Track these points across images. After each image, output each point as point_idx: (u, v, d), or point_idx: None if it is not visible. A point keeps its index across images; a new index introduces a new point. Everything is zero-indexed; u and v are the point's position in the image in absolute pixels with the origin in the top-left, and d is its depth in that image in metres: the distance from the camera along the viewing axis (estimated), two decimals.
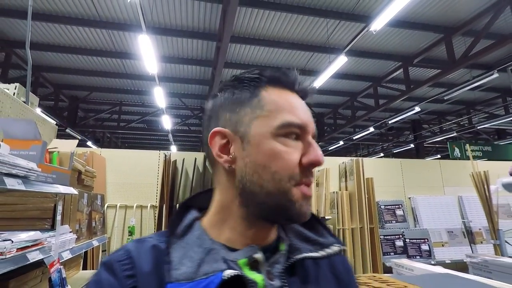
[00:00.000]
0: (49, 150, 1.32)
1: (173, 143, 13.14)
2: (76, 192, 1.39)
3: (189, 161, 3.70)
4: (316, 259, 0.52)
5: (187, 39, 6.25)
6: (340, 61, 5.62)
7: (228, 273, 0.43)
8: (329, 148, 13.58)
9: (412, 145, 11.96)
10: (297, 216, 0.49)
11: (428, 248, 4.09)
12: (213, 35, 6.09)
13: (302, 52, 6.85)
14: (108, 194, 3.47)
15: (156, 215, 3.49)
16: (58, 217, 1.36)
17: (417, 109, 7.97)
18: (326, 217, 3.80)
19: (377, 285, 1.60)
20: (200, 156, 3.74)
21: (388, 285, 1.59)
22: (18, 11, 5.31)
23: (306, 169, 0.49)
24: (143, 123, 11.22)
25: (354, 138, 11.36)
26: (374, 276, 1.80)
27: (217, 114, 0.54)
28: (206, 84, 8.27)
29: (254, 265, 0.49)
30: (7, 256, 0.97)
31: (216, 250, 0.48)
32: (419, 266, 2.28)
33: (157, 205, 3.52)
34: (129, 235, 3.36)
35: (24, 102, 1.74)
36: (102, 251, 2.74)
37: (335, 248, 0.53)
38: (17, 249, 1.05)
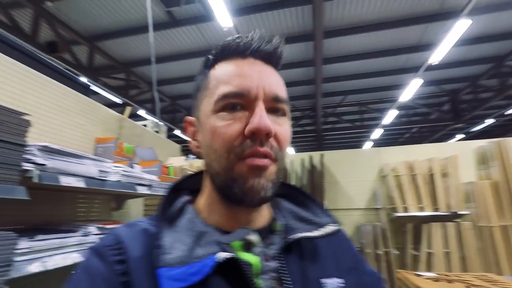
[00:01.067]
0: (166, 165, 1.91)
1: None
2: None
3: (298, 161, 4.04)
4: (312, 238, 0.51)
5: (284, 45, 6.65)
6: (463, 25, 4.76)
7: (222, 255, 0.43)
8: (472, 130, 11.18)
9: None
10: (242, 194, 0.46)
11: None
12: (308, 35, 6.27)
13: (411, 27, 6.12)
14: None
15: None
16: None
17: None
18: (460, 212, 3.34)
19: (478, 283, 1.47)
20: (306, 156, 4.02)
21: (493, 284, 1.44)
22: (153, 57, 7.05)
23: (251, 139, 0.46)
24: None
25: (506, 113, 9.02)
26: (484, 276, 1.63)
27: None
28: (312, 83, 8.48)
29: (248, 247, 0.48)
30: None
31: (209, 233, 0.48)
32: None
33: None
34: None
35: (157, 132, 2.48)
36: None
37: (331, 227, 0.53)
38: None
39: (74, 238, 1.17)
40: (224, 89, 0.48)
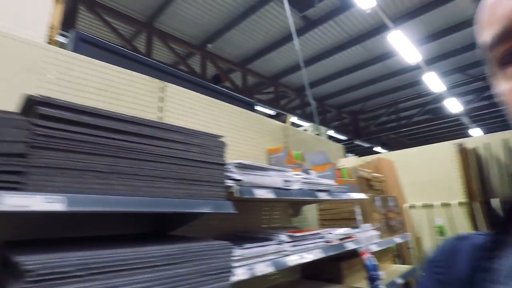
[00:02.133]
0: (338, 168, 1.84)
1: (472, 126, 11.21)
2: (366, 197, 1.78)
3: (497, 144, 3.14)
4: None
5: (440, 7, 5.47)
6: None
7: None
8: None
9: None
10: None
11: None
12: None
13: None
14: (407, 194, 3.66)
15: (468, 213, 3.19)
16: (358, 217, 1.81)
17: None
18: None
19: None
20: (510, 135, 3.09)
21: None
22: (297, 66, 7.35)
23: None
24: (427, 114, 10.64)
25: None
26: None
27: None
28: None
29: None
30: (333, 244, 1.48)
31: None
32: None
33: (467, 201, 3.22)
34: (439, 235, 3.34)
35: (318, 135, 2.48)
36: (407, 248, 2.98)
37: None
38: (338, 239, 1.56)
39: (272, 246, 1.27)
40: (486, 37, 0.34)
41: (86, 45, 1.39)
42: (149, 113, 1.55)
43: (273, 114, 8.74)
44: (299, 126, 7.61)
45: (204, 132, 1.04)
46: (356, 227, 1.78)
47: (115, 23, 5.67)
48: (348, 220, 2.13)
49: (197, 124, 1.78)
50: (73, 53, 1.29)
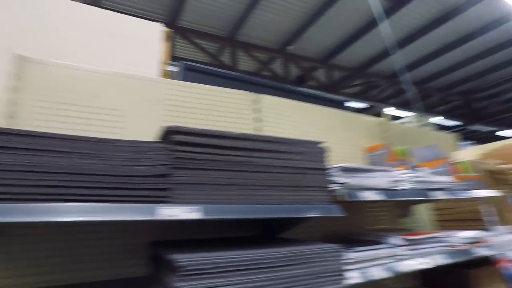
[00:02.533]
0: (453, 162, 1.65)
1: None
2: (496, 193, 1.55)
3: None
4: None
5: None
6: None
7: None
8: None
9: None
10: None
11: None
12: None
13: None
14: None
15: None
16: (487, 218, 1.59)
17: None
18: None
19: None
20: None
21: None
22: (387, 51, 6.80)
23: None
24: None
25: None
26: None
27: None
28: None
29: None
30: (457, 249, 1.35)
31: None
32: None
33: None
34: None
35: (424, 125, 2.27)
36: None
37: None
38: (465, 244, 1.41)
39: (385, 250, 1.24)
40: None
41: (191, 73, 1.63)
42: (246, 125, 1.71)
43: (364, 107, 8.30)
44: (397, 117, 7.01)
45: (305, 140, 1.10)
46: (483, 229, 1.55)
47: (203, 43, 6.31)
48: (472, 221, 1.89)
49: (294, 130, 1.86)
50: (184, 82, 1.54)
